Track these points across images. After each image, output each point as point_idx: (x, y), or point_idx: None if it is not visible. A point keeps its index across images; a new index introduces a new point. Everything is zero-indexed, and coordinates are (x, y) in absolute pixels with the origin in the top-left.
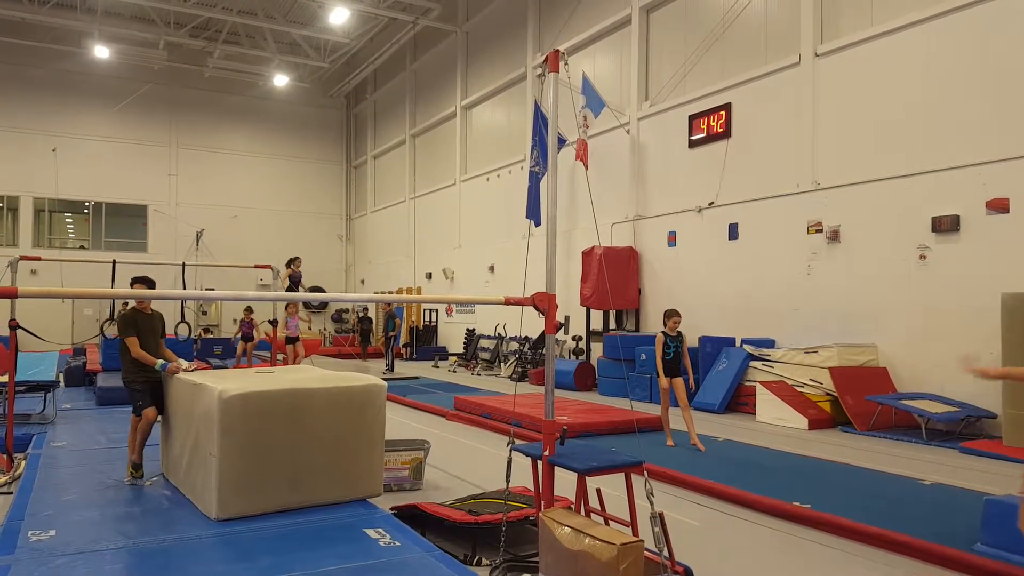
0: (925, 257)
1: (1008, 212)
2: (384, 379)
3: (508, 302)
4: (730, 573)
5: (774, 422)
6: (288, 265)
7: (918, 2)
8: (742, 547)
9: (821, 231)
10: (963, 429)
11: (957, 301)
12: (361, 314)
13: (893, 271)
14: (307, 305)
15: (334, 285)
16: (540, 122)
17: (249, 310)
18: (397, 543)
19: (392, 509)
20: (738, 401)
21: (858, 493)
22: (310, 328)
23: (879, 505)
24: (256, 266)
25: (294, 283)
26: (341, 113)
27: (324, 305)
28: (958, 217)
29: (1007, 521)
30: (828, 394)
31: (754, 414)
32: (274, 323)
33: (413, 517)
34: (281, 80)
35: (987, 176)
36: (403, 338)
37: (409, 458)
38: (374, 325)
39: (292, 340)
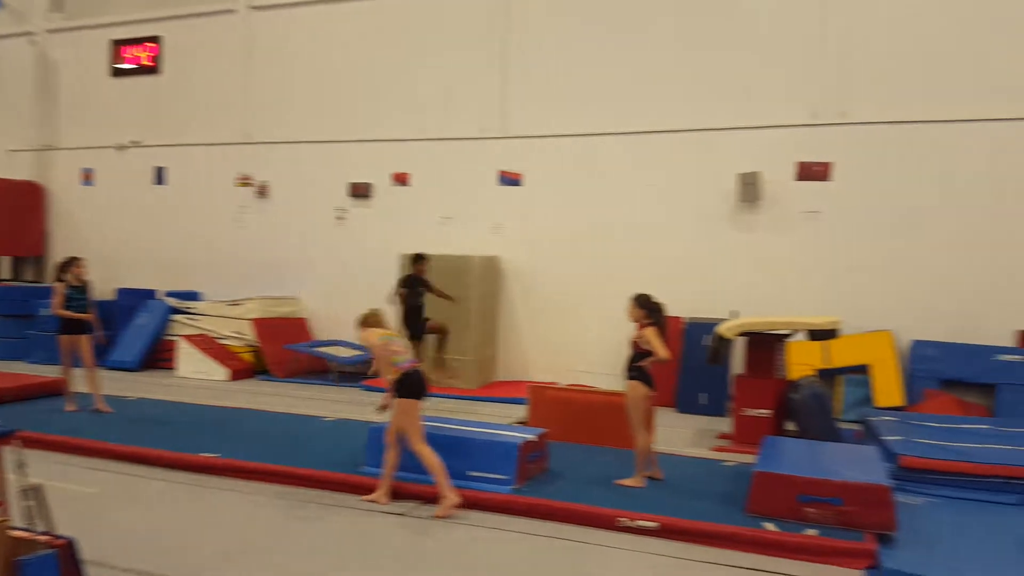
0: (343, 218)
1: (408, 185)
2: None
3: None
4: (141, 529)
5: (195, 375)
6: None
7: None
8: (152, 504)
9: (251, 185)
10: (368, 369)
11: (367, 259)
12: None
13: (315, 229)
14: None
15: None
16: None
17: None
18: None
19: None
20: (158, 357)
21: (269, 436)
22: None
23: (286, 444)
24: None
25: None
26: None
27: None
28: (371, 185)
29: (381, 443)
30: (251, 345)
31: (174, 369)
32: None
33: None
34: None
35: (393, 152)
36: None
37: None
38: None
39: None
